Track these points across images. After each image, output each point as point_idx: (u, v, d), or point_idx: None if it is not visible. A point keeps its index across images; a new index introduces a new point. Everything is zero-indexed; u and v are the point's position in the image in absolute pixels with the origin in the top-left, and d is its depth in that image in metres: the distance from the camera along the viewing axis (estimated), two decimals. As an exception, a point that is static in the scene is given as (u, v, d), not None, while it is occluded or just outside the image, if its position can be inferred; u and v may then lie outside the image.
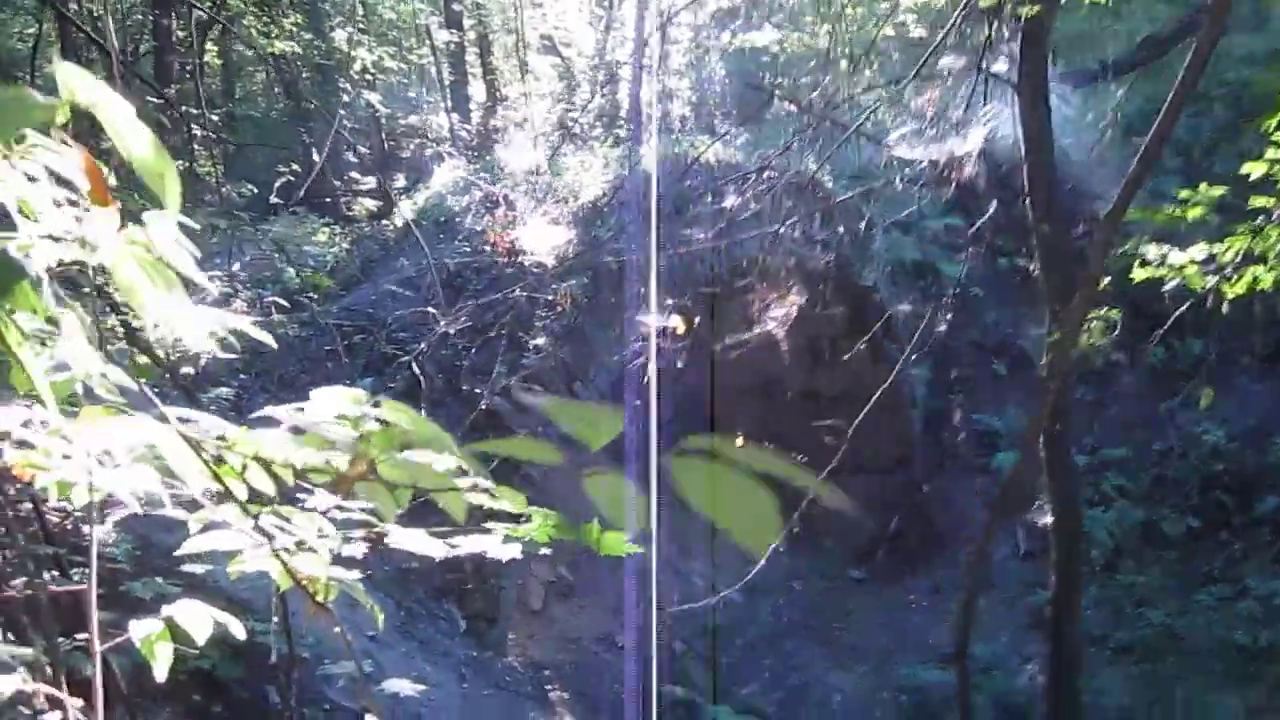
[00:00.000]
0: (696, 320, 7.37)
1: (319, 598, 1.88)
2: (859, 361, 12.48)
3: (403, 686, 4.47)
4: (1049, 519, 4.72)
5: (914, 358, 12.71)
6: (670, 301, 7.17)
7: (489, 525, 2.74)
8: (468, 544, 2.52)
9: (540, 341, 7.13)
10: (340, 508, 2.66)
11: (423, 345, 7.46)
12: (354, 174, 16.02)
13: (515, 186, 8.28)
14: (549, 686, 7.82)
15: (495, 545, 2.49)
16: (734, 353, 9.93)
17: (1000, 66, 4.84)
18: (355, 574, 2.25)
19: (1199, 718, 9.23)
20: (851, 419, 12.85)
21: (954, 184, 3.90)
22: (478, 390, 7.60)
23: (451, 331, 7.41)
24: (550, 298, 6.84)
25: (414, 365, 7.50)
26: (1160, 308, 12.69)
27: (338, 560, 2.27)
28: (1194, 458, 11.91)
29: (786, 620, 10.52)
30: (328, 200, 14.31)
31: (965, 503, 12.59)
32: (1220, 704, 9.36)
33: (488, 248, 7.71)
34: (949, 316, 12.36)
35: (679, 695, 8.51)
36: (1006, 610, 11.20)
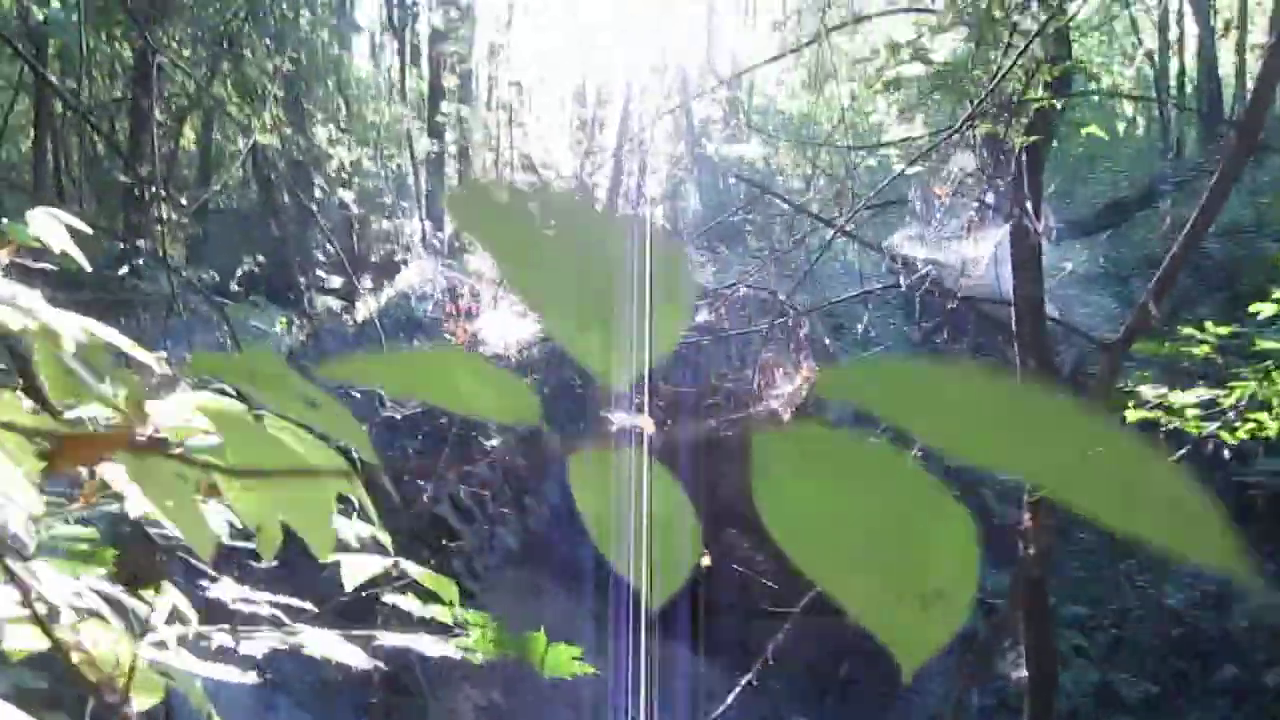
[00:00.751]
0: (668, 424, 7.12)
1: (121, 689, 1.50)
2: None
3: None
4: (1022, 672, 4.44)
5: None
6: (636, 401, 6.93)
7: (420, 634, 2.41)
8: (394, 640, 2.20)
9: (495, 443, 6.81)
10: (247, 599, 2.32)
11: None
12: (321, 272, 15.84)
13: (482, 286, 8.08)
14: (472, 823, 7.24)
15: (428, 643, 2.18)
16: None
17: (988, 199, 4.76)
18: (201, 668, 1.91)
19: None
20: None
21: (956, 295, 3.73)
22: (425, 496, 7.24)
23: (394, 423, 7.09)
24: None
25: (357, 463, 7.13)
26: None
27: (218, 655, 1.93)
28: (1153, 621, 11.65)
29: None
30: (290, 295, 14.08)
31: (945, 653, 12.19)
32: None
33: (449, 337, 7.45)
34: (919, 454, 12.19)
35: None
36: (959, 768, 10.72)
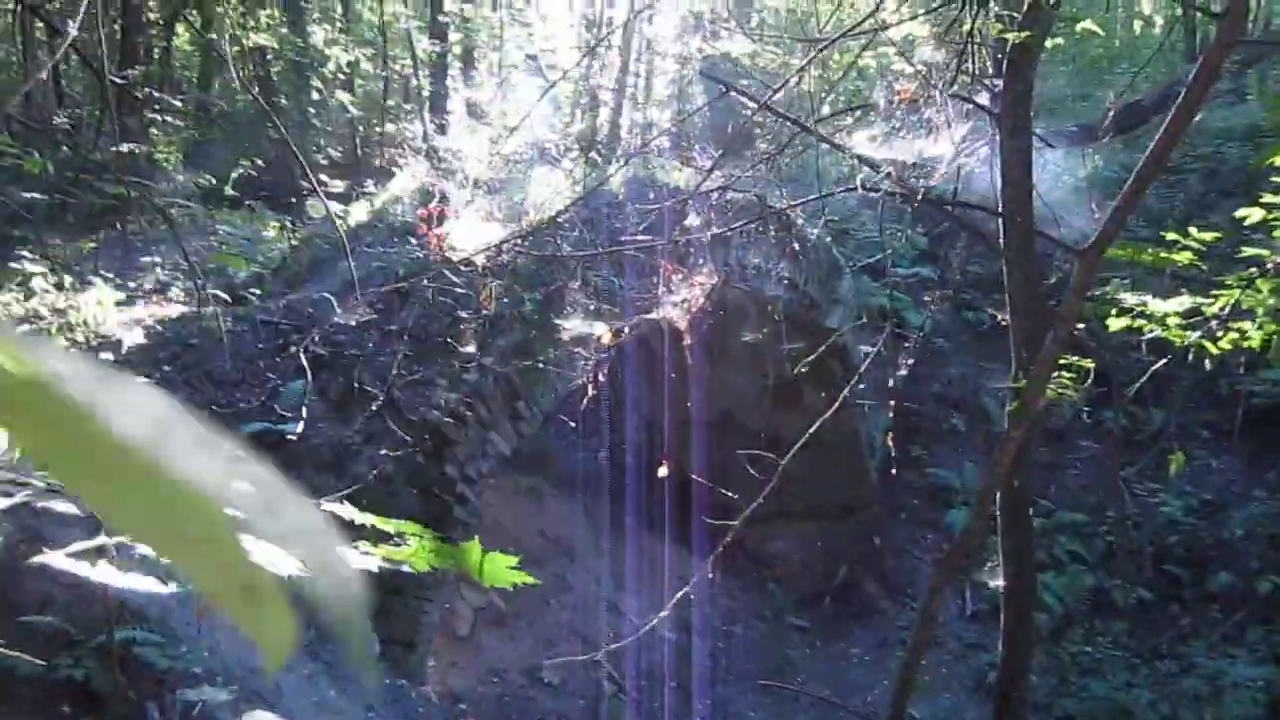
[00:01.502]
0: (624, 332, 7.04)
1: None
2: (816, 404, 12.23)
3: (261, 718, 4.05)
4: (1000, 581, 4.44)
5: (873, 406, 12.46)
6: (600, 308, 6.86)
7: (361, 545, 2.38)
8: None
9: (471, 349, 6.75)
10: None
11: (358, 351, 7.07)
12: (323, 176, 15.65)
13: (470, 190, 7.94)
14: (464, 720, 7.40)
15: (355, 556, 2.14)
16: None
17: (982, 99, 4.58)
18: (118, 579, 1.88)
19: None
20: (807, 462, 12.60)
21: (921, 195, 3.61)
22: (416, 402, 7.22)
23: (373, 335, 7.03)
24: (476, 298, 6.49)
25: (350, 373, 7.12)
26: (1123, 375, 12.51)
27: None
28: (1149, 528, 11.70)
29: (723, 665, 10.13)
30: (292, 200, 13.93)
31: (916, 557, 12.31)
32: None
33: (413, 240, 7.35)
34: (910, 363, 12.13)
35: (603, 738, 8.10)
36: (949, 672, 10.90)
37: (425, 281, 6.50)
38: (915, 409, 13.05)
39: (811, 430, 4.38)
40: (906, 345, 11.30)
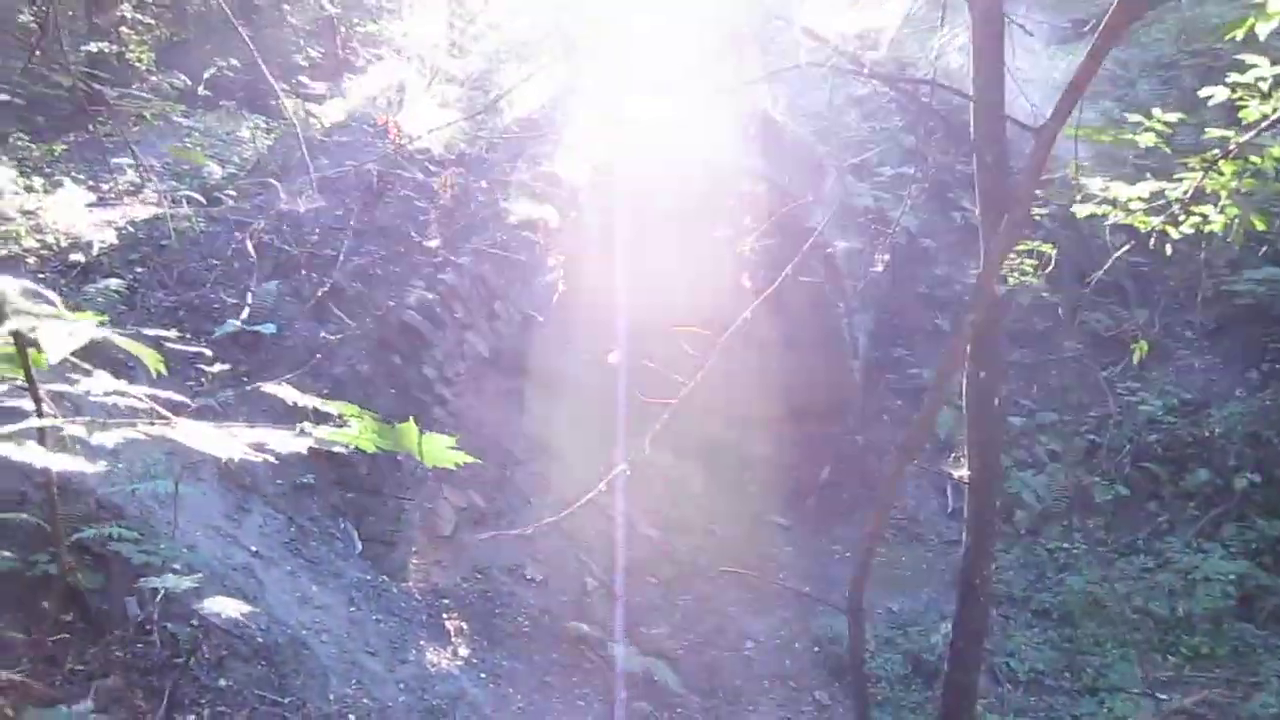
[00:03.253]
0: (573, 214, 6.97)
1: None
2: (800, 305, 12.20)
3: (226, 606, 4.10)
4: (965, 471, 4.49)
5: (858, 306, 12.44)
6: (545, 190, 6.77)
7: (308, 426, 2.36)
8: (259, 437, 2.15)
9: (435, 243, 6.68)
10: (120, 392, 2.26)
11: (333, 252, 7.00)
12: (303, 78, 15.32)
13: (430, 78, 7.76)
14: (447, 615, 7.51)
15: (286, 439, 2.14)
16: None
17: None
18: (48, 459, 1.87)
19: (1108, 685, 9.16)
20: (790, 364, 12.62)
21: (866, 68, 3.52)
22: (390, 302, 7.18)
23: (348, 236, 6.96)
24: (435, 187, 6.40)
25: (323, 273, 7.05)
26: (1103, 277, 12.50)
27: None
28: (1130, 427, 11.79)
29: (704, 562, 10.29)
30: (271, 103, 13.64)
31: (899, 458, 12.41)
32: (1131, 673, 9.30)
33: (368, 128, 7.22)
34: (887, 261, 12.06)
35: (585, 631, 8.25)
36: (929, 567, 11.09)
37: (374, 169, 6.38)
38: (899, 310, 13.04)
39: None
40: (888, 244, 11.21)
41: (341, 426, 2.33)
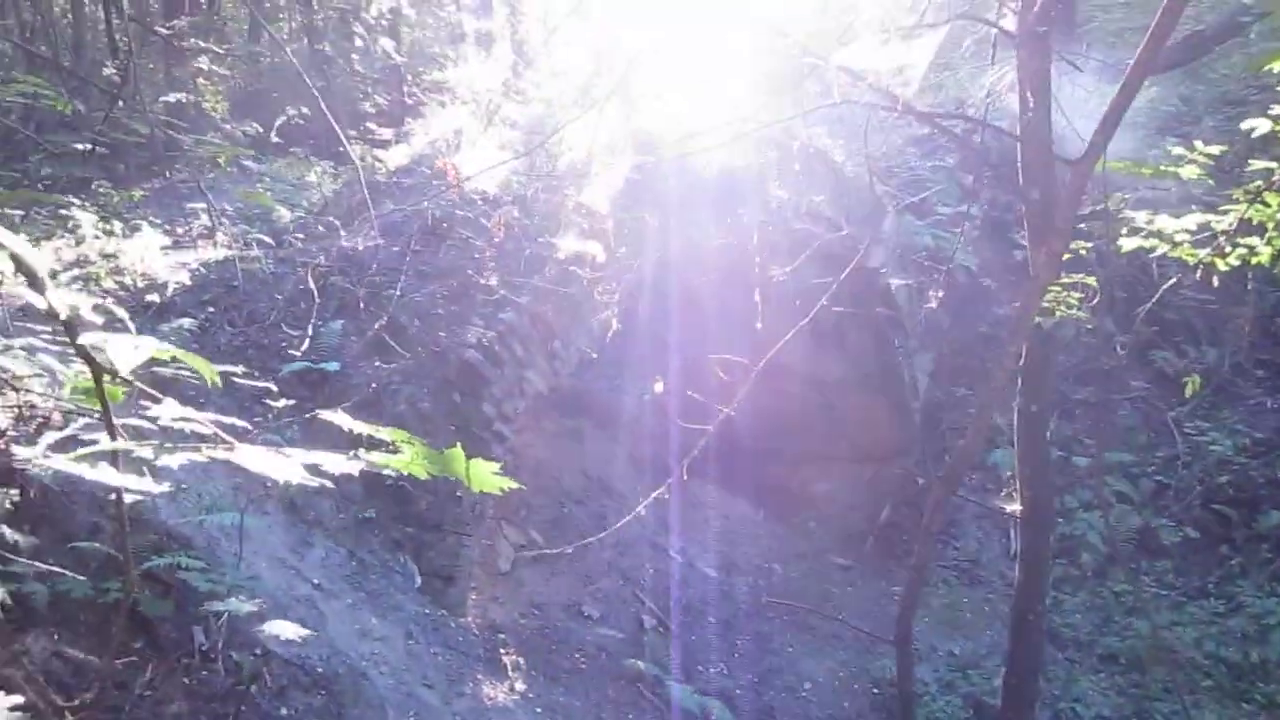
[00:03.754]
0: (622, 250, 7.05)
1: None
2: (860, 345, 12.19)
3: (285, 629, 4.21)
4: (1018, 507, 4.44)
5: (918, 346, 12.38)
6: (593, 227, 6.88)
7: (361, 451, 2.47)
8: (313, 459, 2.25)
9: (493, 282, 6.82)
10: (187, 419, 2.39)
11: (396, 291, 7.18)
12: (371, 124, 15.76)
13: (486, 120, 7.98)
14: (504, 650, 7.58)
15: (340, 463, 2.24)
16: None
17: (1009, 24, 4.49)
18: (111, 477, 1.98)
19: (1178, 733, 8.92)
20: (852, 404, 12.57)
21: (899, 104, 3.56)
22: (450, 340, 7.34)
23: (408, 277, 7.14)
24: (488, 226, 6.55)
25: (386, 313, 7.24)
26: (1171, 316, 12.26)
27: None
28: (1199, 467, 11.54)
29: (763, 602, 10.25)
30: (338, 149, 14.06)
31: (960, 497, 12.26)
32: (1202, 720, 9.05)
33: (429, 171, 7.42)
34: (942, 298, 12.00)
35: (640, 669, 8.26)
36: (991, 610, 10.91)
37: (436, 208, 6.56)
38: (960, 349, 12.95)
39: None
40: (944, 281, 11.17)
41: (394, 453, 2.43)
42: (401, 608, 6.95)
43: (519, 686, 7.33)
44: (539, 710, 7.22)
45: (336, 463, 2.12)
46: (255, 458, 2.24)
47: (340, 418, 2.32)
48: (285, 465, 2.23)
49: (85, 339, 2.04)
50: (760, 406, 10.84)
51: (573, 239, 6.40)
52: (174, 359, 2.14)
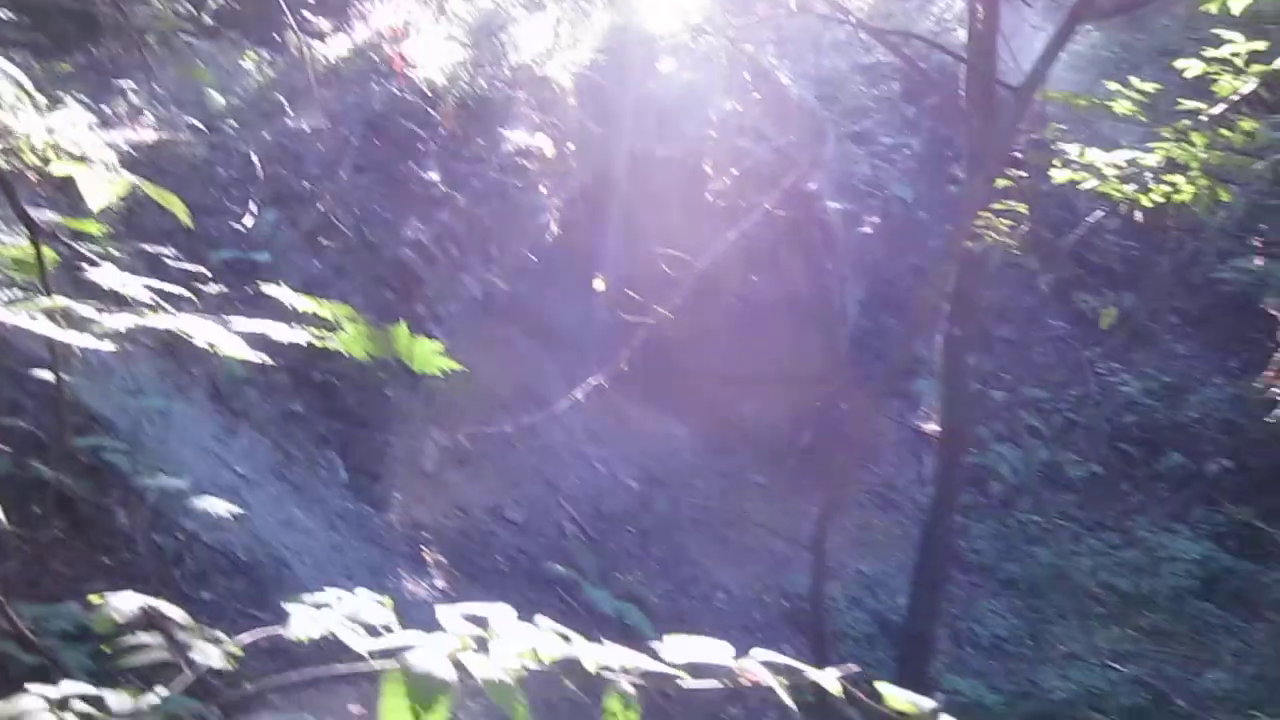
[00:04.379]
0: (570, 147, 7.05)
1: None
2: (795, 269, 12.32)
3: (215, 505, 4.24)
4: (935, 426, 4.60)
5: (850, 274, 12.56)
6: (546, 120, 6.85)
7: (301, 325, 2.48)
8: (257, 329, 2.27)
9: (434, 176, 6.76)
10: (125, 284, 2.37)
11: (332, 183, 7.07)
12: (306, 13, 15.26)
13: (436, 9, 7.79)
14: (426, 549, 7.68)
15: (283, 331, 2.26)
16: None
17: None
18: (57, 333, 1.98)
19: (1067, 654, 9.39)
20: (781, 326, 12.75)
21: (852, 17, 3.59)
22: (386, 237, 7.28)
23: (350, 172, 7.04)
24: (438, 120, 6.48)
25: (320, 206, 7.14)
26: (1095, 259, 12.57)
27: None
28: (1109, 407, 11.98)
29: (683, 515, 10.48)
30: (275, 36, 13.60)
31: (883, 424, 12.57)
32: (1090, 644, 9.54)
33: (374, 61, 7.29)
34: (876, 224, 12.16)
35: (560, 573, 8.43)
36: (903, 533, 11.28)
37: (378, 99, 6.44)
38: (892, 280, 13.16)
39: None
40: (879, 210, 11.32)
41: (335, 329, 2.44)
42: (326, 501, 6.98)
43: (439, 584, 7.44)
44: (459, 607, 7.35)
45: (279, 331, 2.14)
46: (197, 326, 2.25)
47: (282, 291, 2.33)
48: (226, 335, 2.24)
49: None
50: (692, 325, 10.94)
51: (522, 133, 6.35)
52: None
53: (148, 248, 5.18)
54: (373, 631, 1.47)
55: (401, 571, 6.99)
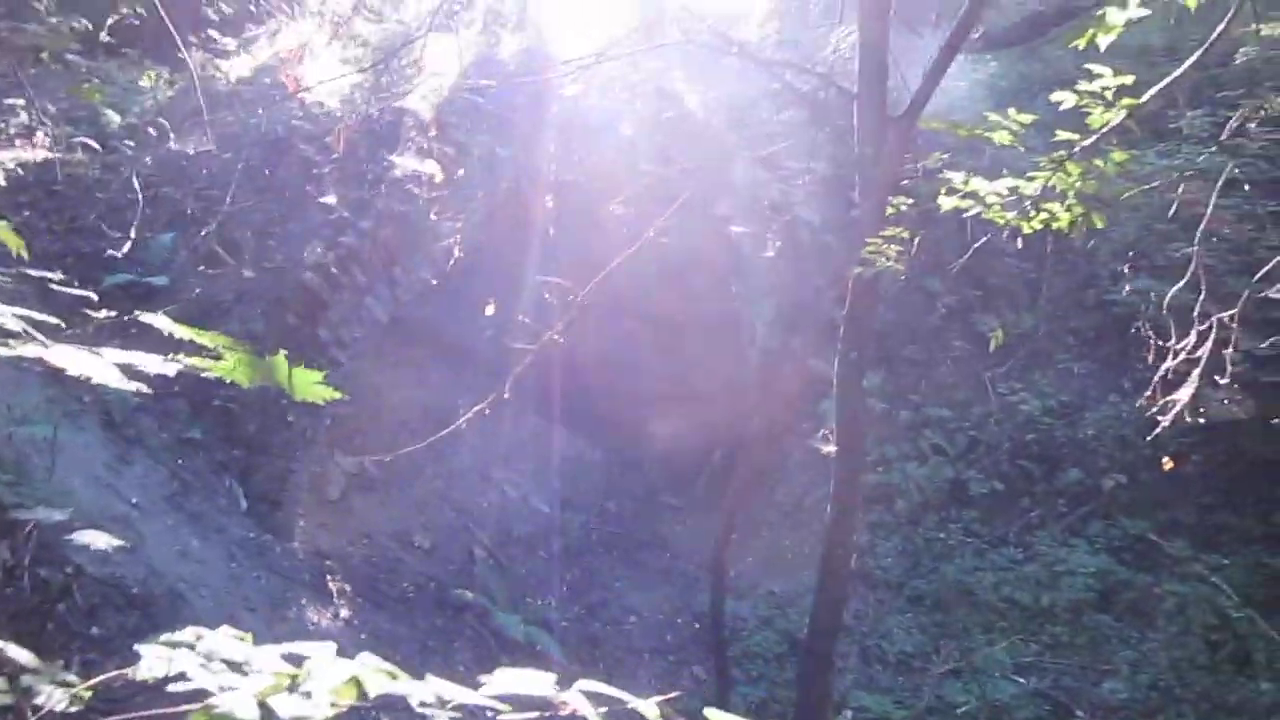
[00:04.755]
0: (460, 172, 7.04)
1: None
2: (702, 290, 12.43)
3: (96, 539, 4.11)
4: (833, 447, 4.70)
5: (757, 295, 12.71)
6: (433, 147, 6.83)
7: (182, 357, 2.42)
8: (128, 359, 2.21)
9: (333, 200, 6.69)
10: (-8, 313, 2.30)
11: (228, 204, 6.94)
12: (213, 32, 15.01)
13: (330, 32, 7.74)
14: (330, 577, 7.53)
15: (157, 364, 2.20)
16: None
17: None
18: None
19: (972, 668, 9.58)
20: (690, 346, 12.86)
21: (736, 48, 3.67)
22: (288, 261, 7.15)
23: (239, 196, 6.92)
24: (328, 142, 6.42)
25: (220, 229, 6.99)
26: (995, 282, 12.93)
27: None
28: (1009, 426, 12.28)
29: (595, 538, 10.46)
30: (178, 54, 13.33)
31: (789, 444, 12.72)
32: (994, 657, 9.74)
33: (268, 81, 7.20)
34: (780, 247, 12.34)
35: (469, 599, 8.34)
36: (811, 552, 11.41)
37: (275, 121, 6.36)
38: (799, 302, 13.35)
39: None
40: (783, 231, 11.49)
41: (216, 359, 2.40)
42: (225, 530, 6.81)
43: (344, 613, 7.31)
44: (363, 636, 7.22)
45: (152, 363, 2.09)
46: (68, 357, 2.19)
47: (161, 320, 2.27)
48: (99, 365, 2.18)
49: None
50: (605, 346, 10.98)
51: (411, 158, 6.30)
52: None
53: (33, 273, 5.01)
54: (236, 669, 1.44)
55: (304, 601, 6.85)
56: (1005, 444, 12.13)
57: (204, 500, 6.86)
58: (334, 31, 7.37)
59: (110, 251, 6.87)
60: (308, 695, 1.21)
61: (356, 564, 8.11)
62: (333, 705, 1.16)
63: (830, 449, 4.75)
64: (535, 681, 1.20)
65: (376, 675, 1.17)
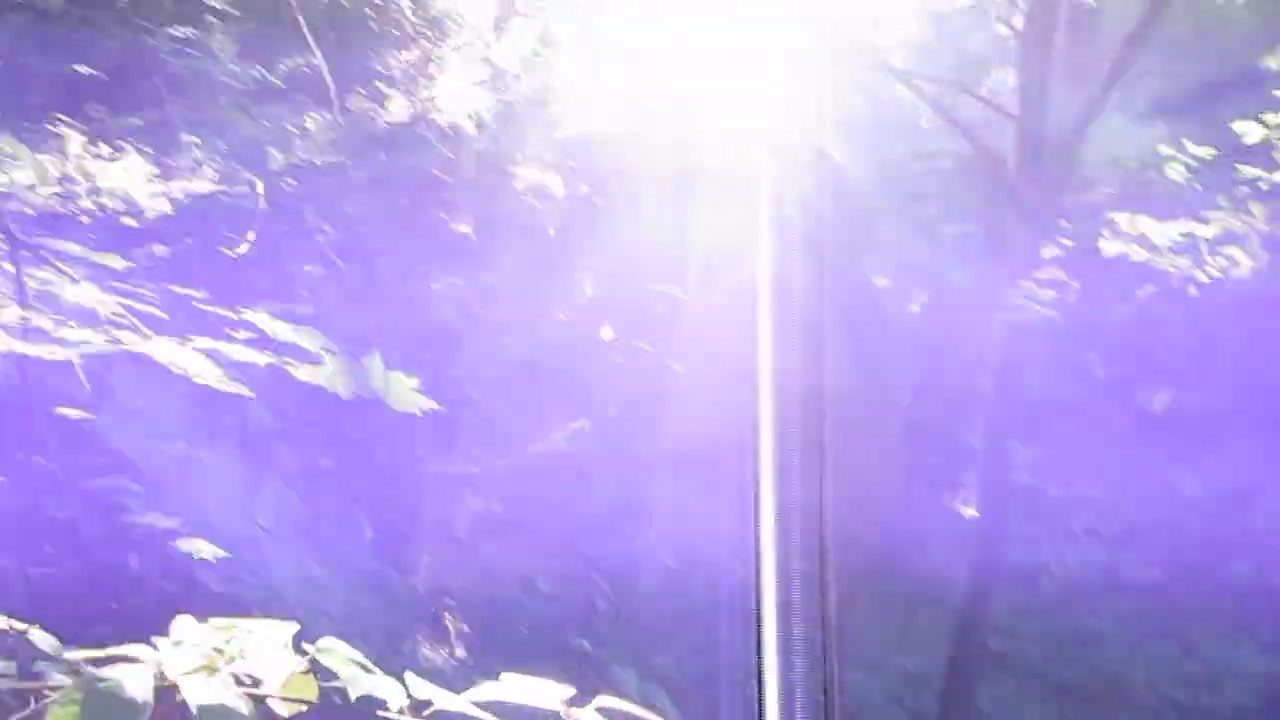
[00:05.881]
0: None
1: None
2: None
3: (200, 547, 4.12)
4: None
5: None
6: None
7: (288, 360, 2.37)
8: (224, 353, 2.16)
9: (466, 229, 6.74)
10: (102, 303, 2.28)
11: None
12: (378, 84, 15.62)
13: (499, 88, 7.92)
14: (449, 615, 7.49)
15: (245, 353, 2.14)
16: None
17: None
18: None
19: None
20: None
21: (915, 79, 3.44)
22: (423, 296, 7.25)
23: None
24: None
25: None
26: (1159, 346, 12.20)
27: None
28: (1170, 509, 11.50)
29: (726, 598, 10.17)
30: (344, 100, 13.90)
31: (930, 514, 12.18)
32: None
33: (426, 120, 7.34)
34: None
35: (586, 649, 8.18)
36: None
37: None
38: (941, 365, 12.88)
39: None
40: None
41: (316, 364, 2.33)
42: (350, 560, 6.85)
43: (459, 653, 7.25)
44: (476, 679, 7.13)
45: (240, 353, 2.03)
46: (174, 354, 2.15)
47: (260, 316, 2.22)
48: (198, 361, 2.13)
49: None
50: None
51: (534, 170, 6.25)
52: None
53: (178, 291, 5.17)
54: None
55: (420, 638, 6.81)
56: (1165, 529, 11.33)
57: (331, 528, 6.92)
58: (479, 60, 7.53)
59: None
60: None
61: (477, 604, 8.04)
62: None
63: (972, 516, 4.44)
64: (545, 691, 1.04)
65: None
